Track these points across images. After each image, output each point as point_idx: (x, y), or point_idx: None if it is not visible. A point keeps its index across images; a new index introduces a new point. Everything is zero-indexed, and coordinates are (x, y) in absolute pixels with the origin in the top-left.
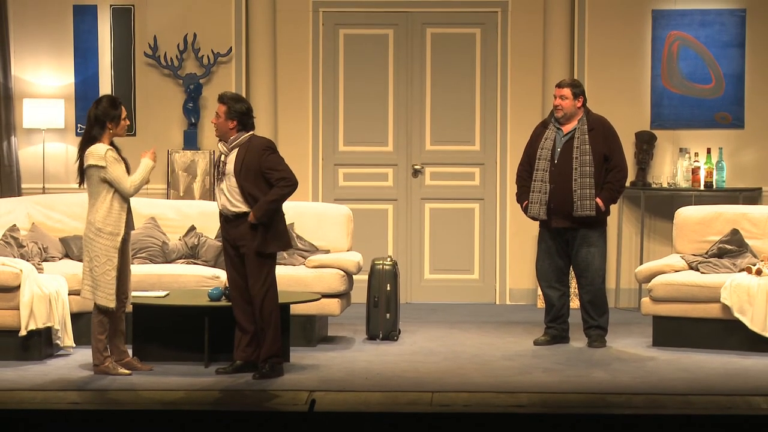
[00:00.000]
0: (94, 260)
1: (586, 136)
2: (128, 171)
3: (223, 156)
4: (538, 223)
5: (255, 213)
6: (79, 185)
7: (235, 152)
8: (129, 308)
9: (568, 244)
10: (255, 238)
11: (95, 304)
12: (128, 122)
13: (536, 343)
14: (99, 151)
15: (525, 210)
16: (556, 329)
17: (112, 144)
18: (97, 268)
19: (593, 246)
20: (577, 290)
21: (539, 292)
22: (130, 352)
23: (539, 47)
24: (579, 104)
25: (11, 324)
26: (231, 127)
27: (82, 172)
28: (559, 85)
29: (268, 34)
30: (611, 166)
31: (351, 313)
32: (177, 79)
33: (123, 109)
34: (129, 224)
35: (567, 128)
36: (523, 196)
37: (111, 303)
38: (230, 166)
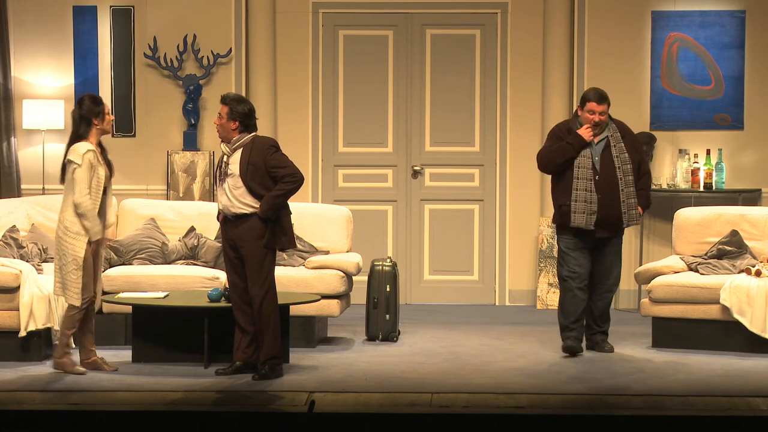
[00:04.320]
0: (62, 258)
1: (622, 144)
2: (112, 172)
3: (225, 157)
4: (536, 223)
5: (261, 207)
6: (61, 182)
7: (238, 153)
8: (97, 306)
9: (596, 249)
10: (261, 235)
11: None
12: (112, 117)
13: (568, 350)
14: (79, 149)
15: (563, 217)
16: (578, 331)
17: (99, 144)
18: (64, 266)
19: (618, 253)
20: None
21: (538, 293)
22: (98, 352)
23: (539, 48)
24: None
25: (11, 325)
26: (233, 128)
27: (64, 169)
28: (598, 101)
29: (268, 35)
30: (643, 172)
31: (350, 314)
32: (177, 80)
33: (105, 104)
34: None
35: (597, 136)
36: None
37: (77, 301)
38: (234, 167)
